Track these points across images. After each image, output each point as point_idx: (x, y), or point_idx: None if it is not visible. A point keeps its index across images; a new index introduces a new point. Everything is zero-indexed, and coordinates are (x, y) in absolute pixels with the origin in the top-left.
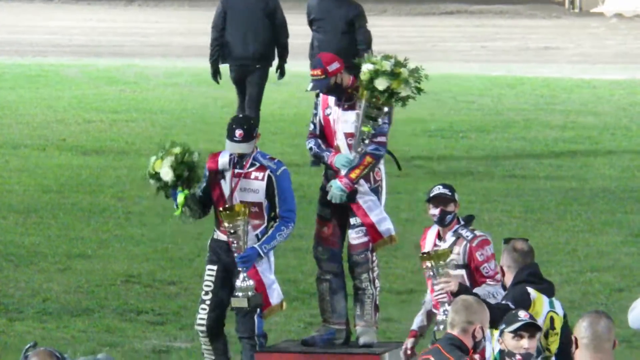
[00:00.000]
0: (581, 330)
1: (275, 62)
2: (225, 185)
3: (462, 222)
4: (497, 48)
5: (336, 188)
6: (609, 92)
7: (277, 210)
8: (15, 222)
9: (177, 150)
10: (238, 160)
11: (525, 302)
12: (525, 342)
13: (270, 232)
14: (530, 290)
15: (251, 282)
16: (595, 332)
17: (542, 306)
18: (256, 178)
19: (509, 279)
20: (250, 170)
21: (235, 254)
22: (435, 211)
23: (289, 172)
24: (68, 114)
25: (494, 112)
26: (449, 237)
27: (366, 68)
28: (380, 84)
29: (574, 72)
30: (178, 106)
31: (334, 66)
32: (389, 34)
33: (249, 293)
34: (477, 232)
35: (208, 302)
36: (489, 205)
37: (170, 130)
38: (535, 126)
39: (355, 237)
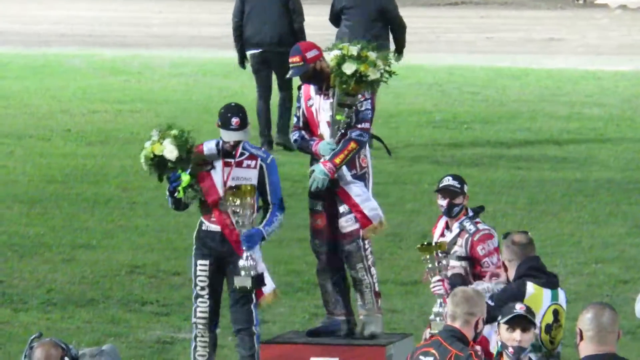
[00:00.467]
0: (585, 322)
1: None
2: (217, 176)
3: (471, 214)
4: (501, 39)
5: (319, 172)
6: (614, 84)
7: (269, 198)
8: (19, 212)
9: (174, 132)
10: (227, 150)
11: (517, 299)
12: (517, 335)
13: (268, 216)
14: (528, 284)
15: (253, 262)
16: (600, 324)
17: (541, 300)
18: (249, 166)
19: (511, 274)
20: (241, 159)
21: (241, 232)
22: (443, 202)
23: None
24: (73, 104)
25: (499, 103)
26: (455, 229)
27: (333, 54)
28: (348, 68)
29: (578, 63)
30: (183, 97)
31: (312, 53)
32: None
33: (252, 272)
34: (481, 226)
35: (206, 296)
36: (494, 197)
37: (176, 121)
38: (540, 117)
39: (344, 225)
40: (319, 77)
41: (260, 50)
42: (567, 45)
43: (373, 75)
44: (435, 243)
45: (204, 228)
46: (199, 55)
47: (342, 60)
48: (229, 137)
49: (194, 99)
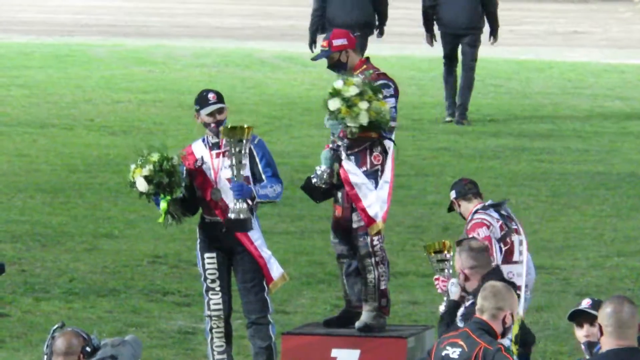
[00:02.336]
0: (604, 317)
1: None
2: (209, 169)
3: (482, 206)
4: (525, 32)
5: (322, 155)
6: (637, 77)
7: (263, 177)
8: (42, 201)
9: (154, 157)
10: (214, 143)
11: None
12: (584, 331)
13: (265, 181)
14: None
15: (244, 206)
16: (619, 318)
17: None
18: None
19: (474, 283)
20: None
21: (232, 180)
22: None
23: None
24: (96, 94)
25: (522, 96)
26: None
27: (335, 84)
28: (332, 104)
29: (601, 56)
30: (206, 87)
31: (340, 42)
32: (419, 17)
33: (241, 215)
34: (477, 216)
35: (218, 289)
36: (516, 189)
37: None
38: (563, 110)
39: (356, 219)
40: (342, 66)
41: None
42: (590, 39)
43: (350, 123)
44: (433, 243)
45: (206, 221)
46: (221, 45)
47: (334, 93)
48: (211, 109)
49: (217, 89)
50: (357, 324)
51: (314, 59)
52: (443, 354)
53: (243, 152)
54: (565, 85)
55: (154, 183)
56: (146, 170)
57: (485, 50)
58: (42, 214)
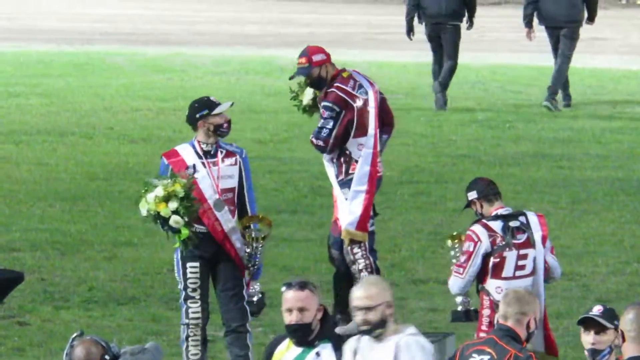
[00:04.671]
0: (627, 323)
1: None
2: (204, 181)
3: (495, 215)
4: (545, 38)
5: None
6: None
7: (246, 194)
8: (62, 210)
9: (180, 193)
10: (206, 152)
11: None
12: (590, 337)
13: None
14: None
15: (257, 287)
16: None
17: None
18: (231, 164)
19: None
20: (222, 157)
21: (248, 270)
22: None
23: None
24: (115, 102)
25: (541, 102)
26: None
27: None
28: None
29: (621, 62)
30: (225, 95)
31: (319, 57)
32: None
33: (254, 298)
34: (473, 227)
35: (198, 297)
36: (536, 196)
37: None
38: (583, 116)
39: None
40: (322, 82)
41: (434, 21)
42: (610, 45)
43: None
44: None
45: (192, 229)
46: (241, 53)
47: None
48: (222, 109)
49: (236, 97)
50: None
51: (292, 77)
52: None
53: (259, 249)
54: (585, 92)
55: (183, 215)
56: (174, 205)
57: (505, 56)
58: (61, 222)
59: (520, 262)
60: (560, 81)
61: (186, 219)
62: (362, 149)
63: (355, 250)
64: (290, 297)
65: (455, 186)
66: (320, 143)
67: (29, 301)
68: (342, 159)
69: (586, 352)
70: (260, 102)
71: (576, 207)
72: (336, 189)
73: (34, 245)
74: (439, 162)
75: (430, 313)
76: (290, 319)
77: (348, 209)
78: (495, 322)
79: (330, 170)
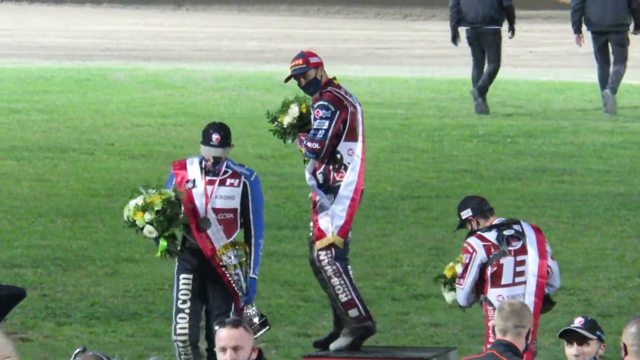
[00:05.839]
0: (629, 336)
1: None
2: (199, 194)
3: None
4: (545, 53)
5: None
6: None
7: (250, 217)
8: (63, 226)
9: (157, 206)
10: (210, 168)
11: None
12: (573, 350)
13: (253, 254)
14: None
15: (254, 310)
16: None
17: None
18: (232, 184)
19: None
20: (225, 177)
21: (239, 286)
22: None
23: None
24: (116, 118)
25: (542, 117)
26: None
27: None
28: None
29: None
30: (226, 110)
31: (315, 59)
32: (438, 39)
33: (255, 320)
34: (469, 239)
35: (187, 311)
36: (537, 210)
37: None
38: (584, 131)
39: (311, 234)
40: (316, 85)
41: (473, 26)
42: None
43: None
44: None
45: (187, 245)
46: (242, 69)
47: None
48: (208, 152)
49: (238, 113)
50: (330, 346)
51: (288, 78)
52: None
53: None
54: (585, 106)
55: (156, 227)
56: (149, 217)
57: (506, 71)
58: (63, 239)
59: (519, 269)
60: (618, 84)
61: (165, 233)
62: (352, 154)
63: (323, 257)
64: (224, 335)
65: (456, 201)
66: (316, 145)
67: (31, 317)
68: (330, 166)
69: None
70: (261, 117)
71: (577, 221)
72: (320, 195)
73: (36, 262)
74: (440, 177)
75: (431, 328)
76: (224, 358)
77: (332, 213)
78: (491, 330)
79: (313, 182)
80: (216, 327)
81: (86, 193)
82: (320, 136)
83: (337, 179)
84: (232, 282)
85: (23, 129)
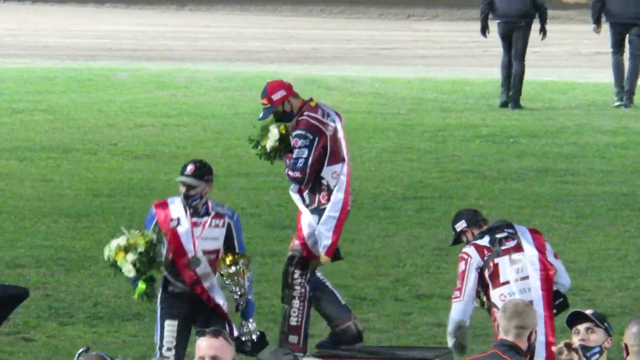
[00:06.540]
0: (630, 337)
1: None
2: (185, 235)
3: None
4: (548, 53)
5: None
6: None
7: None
8: (66, 226)
9: (140, 247)
10: (194, 210)
11: None
12: (580, 335)
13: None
14: None
15: (252, 326)
16: None
17: None
18: (217, 225)
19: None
20: (209, 218)
21: (237, 304)
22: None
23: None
24: (119, 118)
25: (545, 117)
26: None
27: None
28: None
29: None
30: (229, 110)
31: (279, 95)
32: (441, 39)
33: (252, 336)
34: (464, 249)
35: (172, 357)
36: (540, 211)
37: (222, 135)
38: (587, 131)
39: (292, 248)
40: (289, 115)
41: (505, 20)
42: None
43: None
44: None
45: (170, 289)
46: (245, 69)
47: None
48: (181, 179)
49: (240, 113)
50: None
51: (261, 118)
52: None
53: (244, 284)
54: (588, 107)
55: (138, 269)
56: (131, 258)
57: None
58: (66, 239)
59: (515, 266)
60: (636, 81)
61: (145, 274)
62: (337, 177)
63: (296, 275)
64: (204, 345)
65: (459, 202)
66: (298, 174)
67: (34, 317)
68: (315, 190)
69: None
70: None
71: (580, 222)
72: (305, 215)
73: (39, 262)
74: (443, 177)
75: (434, 328)
76: None
77: (319, 230)
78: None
79: (296, 197)
80: (196, 337)
81: (89, 193)
82: (301, 165)
83: (323, 202)
84: (221, 306)
85: (26, 129)
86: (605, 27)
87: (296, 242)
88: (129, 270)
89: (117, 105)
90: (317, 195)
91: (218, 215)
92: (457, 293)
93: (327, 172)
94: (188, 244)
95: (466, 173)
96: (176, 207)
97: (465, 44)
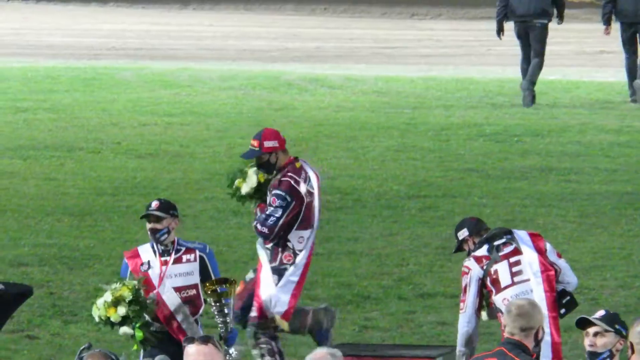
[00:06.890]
0: (636, 335)
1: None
2: (154, 275)
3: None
4: (552, 52)
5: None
6: None
7: None
8: (70, 224)
9: (128, 297)
10: (164, 249)
11: None
12: (589, 339)
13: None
14: None
15: (235, 354)
16: None
17: None
18: (188, 260)
19: None
20: (179, 255)
21: (221, 332)
22: None
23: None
24: (123, 117)
25: (549, 116)
26: None
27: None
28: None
29: None
30: (233, 110)
31: (271, 143)
32: (444, 38)
33: None
34: (465, 262)
35: None
36: (544, 210)
37: (225, 133)
38: (591, 130)
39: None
40: (270, 167)
41: (522, 20)
42: (617, 58)
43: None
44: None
45: (151, 329)
46: (248, 68)
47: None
48: (145, 213)
49: (244, 112)
50: None
51: (243, 156)
52: None
53: (227, 310)
54: (592, 105)
55: (132, 318)
56: (123, 310)
57: (512, 70)
58: (69, 237)
59: (515, 269)
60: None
61: (137, 323)
62: (303, 242)
63: (259, 335)
64: (193, 352)
65: (463, 200)
66: (265, 230)
67: (38, 315)
68: (279, 248)
69: (586, 355)
70: (267, 117)
71: (584, 221)
72: (266, 271)
73: (43, 260)
74: (446, 176)
75: (438, 327)
76: None
77: (277, 294)
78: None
79: (262, 252)
80: (184, 344)
81: (93, 192)
82: (271, 223)
83: (285, 261)
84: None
85: (30, 128)
86: (615, 26)
87: (254, 306)
88: (124, 332)
89: (121, 104)
90: (280, 255)
91: (189, 251)
92: (461, 305)
93: (294, 236)
94: (155, 282)
95: (470, 172)
96: (146, 251)
97: (468, 42)
